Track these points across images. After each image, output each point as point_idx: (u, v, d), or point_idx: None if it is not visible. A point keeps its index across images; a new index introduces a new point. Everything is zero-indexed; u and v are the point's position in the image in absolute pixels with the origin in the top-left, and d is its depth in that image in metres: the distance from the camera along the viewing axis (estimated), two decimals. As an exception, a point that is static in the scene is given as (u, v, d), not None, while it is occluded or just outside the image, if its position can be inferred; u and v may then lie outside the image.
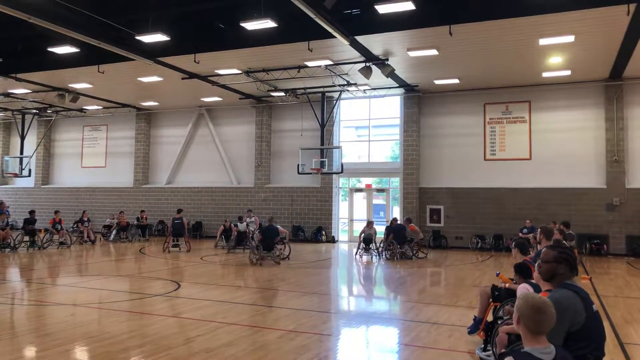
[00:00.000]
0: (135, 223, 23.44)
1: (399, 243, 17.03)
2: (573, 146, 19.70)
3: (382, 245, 17.61)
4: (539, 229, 7.70)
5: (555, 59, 16.81)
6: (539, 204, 19.71)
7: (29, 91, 22.33)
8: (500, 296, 6.52)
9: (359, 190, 24.17)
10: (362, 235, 17.89)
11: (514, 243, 6.98)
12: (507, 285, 6.52)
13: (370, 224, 18.21)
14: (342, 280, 13.91)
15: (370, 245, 17.74)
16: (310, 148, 21.96)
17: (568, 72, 18.11)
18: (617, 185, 18.97)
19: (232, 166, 25.34)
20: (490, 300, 6.68)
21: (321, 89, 21.13)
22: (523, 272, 5.75)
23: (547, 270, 3.60)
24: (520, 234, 17.54)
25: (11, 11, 12.65)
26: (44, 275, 13.09)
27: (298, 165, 21.62)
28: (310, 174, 21.91)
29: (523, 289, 5.17)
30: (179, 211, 19.64)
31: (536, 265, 3.99)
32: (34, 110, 26.59)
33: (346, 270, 15.56)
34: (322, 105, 22.12)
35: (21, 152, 27.30)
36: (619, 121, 19.04)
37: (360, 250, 17.68)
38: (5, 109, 26.46)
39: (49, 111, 26.67)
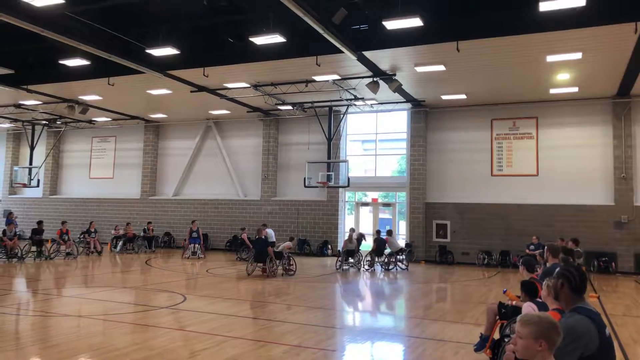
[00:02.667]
0: (141, 234, 23.50)
1: (377, 255, 18.30)
2: (581, 163, 19.63)
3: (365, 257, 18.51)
4: (545, 246, 7.67)
5: (563, 76, 16.83)
6: (545, 220, 19.59)
7: (40, 102, 22.55)
8: (507, 314, 6.47)
9: (365, 204, 24.14)
10: (344, 248, 18.54)
11: (520, 260, 6.95)
12: (514, 302, 6.48)
13: (350, 237, 18.66)
14: (347, 295, 13.85)
15: (350, 259, 18.33)
16: (317, 162, 21.99)
17: (575, 89, 18.11)
18: (625, 202, 18.84)
19: (238, 179, 25.41)
20: (497, 317, 6.64)
21: (328, 103, 21.22)
22: (529, 290, 5.71)
23: (552, 286, 3.61)
24: (527, 251, 17.43)
25: (24, 24, 12.84)
26: (50, 286, 13.13)
27: (304, 178, 21.65)
28: (317, 187, 21.93)
29: (528, 307, 5.14)
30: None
31: (544, 283, 3.98)
32: (44, 122, 26.83)
33: (352, 284, 15.50)
34: (329, 119, 22.20)
35: (30, 163, 27.51)
36: (627, 138, 18.97)
37: (338, 262, 18.24)
38: (16, 120, 26.71)
39: (58, 122, 26.90)
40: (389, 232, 18.96)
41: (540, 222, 19.60)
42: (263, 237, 16.02)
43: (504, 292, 6.81)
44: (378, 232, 19.26)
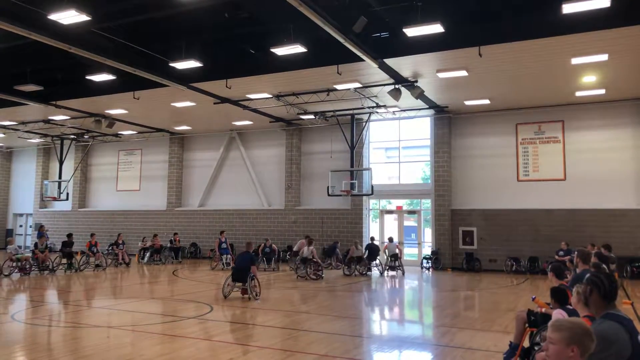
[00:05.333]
0: (168, 245, 23.77)
1: (371, 260, 19.45)
2: (610, 166, 19.20)
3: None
4: (575, 252, 7.52)
5: (589, 78, 16.52)
6: (575, 225, 19.19)
7: (68, 118, 23.09)
8: (537, 321, 6.35)
9: (390, 212, 24.01)
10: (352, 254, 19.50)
11: (549, 267, 6.81)
12: (543, 310, 6.35)
13: (356, 244, 19.89)
14: (373, 303, 13.76)
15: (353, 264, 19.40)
16: (340, 170, 21.98)
17: (602, 91, 17.77)
18: (657, 205, 18.36)
19: (262, 188, 25.56)
20: (527, 325, 6.52)
21: (350, 111, 21.23)
22: (559, 297, 5.59)
23: (582, 293, 3.54)
24: (557, 256, 17.10)
25: (53, 42, 13.20)
26: (80, 298, 13.36)
27: (328, 187, 21.64)
28: (340, 195, 21.90)
29: (558, 315, 5.04)
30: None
31: (574, 290, 3.90)
32: (72, 136, 27.45)
33: (377, 292, 15.40)
34: (352, 127, 22.20)
35: (59, 177, 28.14)
36: (657, 140, 18.52)
37: (344, 267, 19.59)
38: (46, 135, 27.40)
39: (86, 136, 27.50)
40: (390, 239, 20.54)
41: (569, 227, 19.21)
42: (251, 251, 13.77)
43: (533, 299, 6.68)
44: (372, 238, 20.89)
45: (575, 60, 14.49)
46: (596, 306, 3.39)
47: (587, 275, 3.58)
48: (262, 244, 20.90)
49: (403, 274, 19.44)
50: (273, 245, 20.83)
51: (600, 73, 16.00)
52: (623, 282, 16.20)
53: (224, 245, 21.18)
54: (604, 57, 14.13)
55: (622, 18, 12.04)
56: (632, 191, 18.91)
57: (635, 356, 3.13)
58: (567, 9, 11.25)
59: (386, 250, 20.13)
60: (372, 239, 20.88)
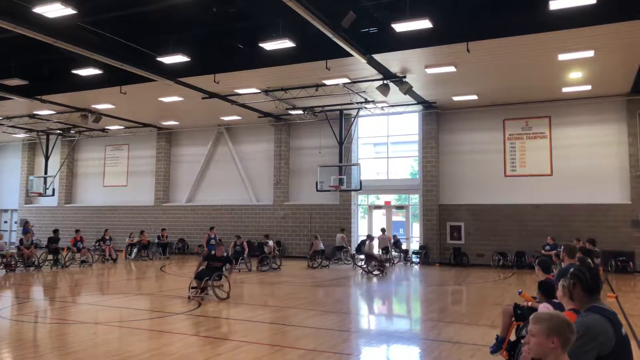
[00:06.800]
0: (156, 241, 23.63)
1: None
2: (595, 161, 19.42)
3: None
4: (562, 246, 7.59)
5: (575, 74, 16.67)
6: (561, 220, 19.40)
7: (54, 112, 22.82)
8: (523, 315, 6.40)
9: (378, 207, 24.08)
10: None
11: (537, 261, 6.88)
12: (529, 303, 6.42)
13: (316, 237, 20.69)
14: (361, 298, 13.81)
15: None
16: (328, 165, 21.98)
17: (588, 87, 17.93)
18: (641, 200, 18.60)
19: (251, 184, 25.49)
20: (513, 319, 6.58)
21: (339, 107, 21.22)
22: (546, 290, 5.65)
23: (566, 287, 3.57)
24: (543, 251, 17.27)
25: (38, 35, 13.03)
26: (66, 294, 13.25)
27: (317, 182, 21.64)
28: (329, 191, 21.90)
29: (544, 308, 5.09)
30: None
31: (560, 283, 3.94)
32: (58, 131, 27.14)
33: (365, 288, 15.45)
34: (340, 123, 22.20)
35: (45, 172, 27.83)
36: (642, 136, 18.75)
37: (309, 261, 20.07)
38: (31, 130, 27.07)
39: (72, 131, 27.20)
40: (383, 230, 20.92)
41: (555, 222, 19.41)
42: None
43: (519, 293, 6.75)
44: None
45: (562, 57, 14.62)
46: (580, 299, 3.42)
47: (571, 269, 3.61)
48: (233, 242, 19.02)
49: (394, 264, 20.16)
50: (244, 242, 19.19)
51: (586, 69, 16.15)
52: (608, 276, 16.42)
53: (212, 242, 20.94)
54: (590, 53, 14.27)
55: (608, 15, 12.15)
56: (617, 186, 19.13)
57: (618, 349, 3.17)
58: (554, 5, 11.34)
59: (378, 243, 20.03)
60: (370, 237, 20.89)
